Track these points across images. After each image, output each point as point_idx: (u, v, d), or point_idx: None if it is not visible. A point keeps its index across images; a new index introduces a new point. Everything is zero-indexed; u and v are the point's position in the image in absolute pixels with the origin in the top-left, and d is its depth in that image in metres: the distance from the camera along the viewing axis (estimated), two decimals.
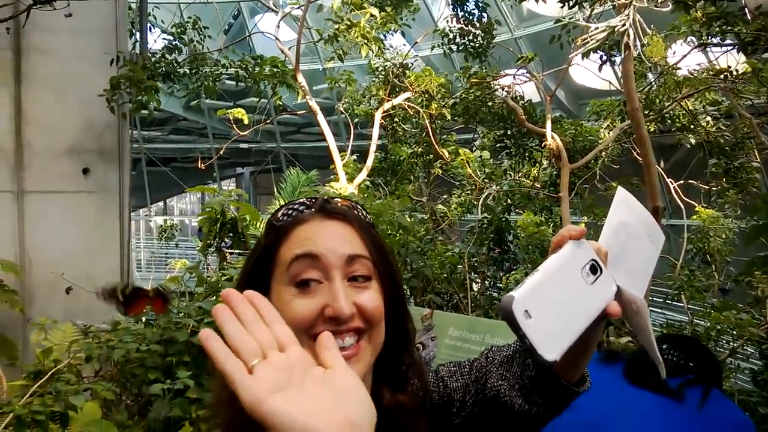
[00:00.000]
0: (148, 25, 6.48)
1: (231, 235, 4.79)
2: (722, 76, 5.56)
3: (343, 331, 0.90)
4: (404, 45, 10.48)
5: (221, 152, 7.36)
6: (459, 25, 7.02)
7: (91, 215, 5.09)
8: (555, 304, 0.82)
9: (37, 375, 3.03)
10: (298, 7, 6.89)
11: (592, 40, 4.31)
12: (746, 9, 4.08)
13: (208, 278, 4.22)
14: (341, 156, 7.07)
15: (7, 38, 4.70)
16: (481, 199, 6.91)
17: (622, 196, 1.00)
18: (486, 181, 7.59)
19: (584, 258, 0.88)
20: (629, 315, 0.95)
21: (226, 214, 4.69)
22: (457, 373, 1.14)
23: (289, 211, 1.02)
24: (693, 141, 7.00)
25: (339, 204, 1.05)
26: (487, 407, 1.07)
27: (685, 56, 5.85)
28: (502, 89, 6.93)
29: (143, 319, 3.64)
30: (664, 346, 1.85)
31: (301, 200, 1.04)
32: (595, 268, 0.88)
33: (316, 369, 0.66)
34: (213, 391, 0.99)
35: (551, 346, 0.79)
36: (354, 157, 8.14)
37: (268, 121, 9.92)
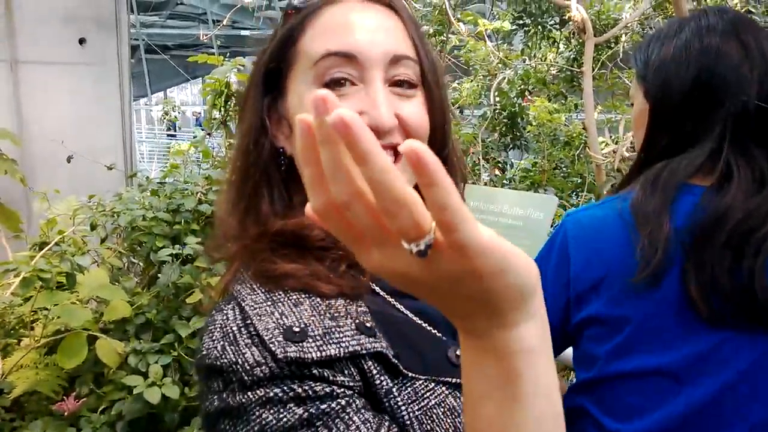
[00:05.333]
0: None
1: (237, 109, 4.58)
2: None
3: None
4: None
5: (224, 23, 6.98)
6: None
7: (89, 87, 4.87)
8: None
9: (42, 246, 2.94)
10: None
11: None
12: None
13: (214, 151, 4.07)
14: None
15: None
16: (495, 84, 6.63)
17: None
18: (500, 66, 7.28)
19: None
20: None
21: (230, 86, 4.47)
22: None
23: None
24: None
25: None
26: None
27: None
28: None
29: (149, 188, 3.51)
30: None
31: None
32: None
33: None
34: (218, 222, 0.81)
35: None
36: None
37: None
